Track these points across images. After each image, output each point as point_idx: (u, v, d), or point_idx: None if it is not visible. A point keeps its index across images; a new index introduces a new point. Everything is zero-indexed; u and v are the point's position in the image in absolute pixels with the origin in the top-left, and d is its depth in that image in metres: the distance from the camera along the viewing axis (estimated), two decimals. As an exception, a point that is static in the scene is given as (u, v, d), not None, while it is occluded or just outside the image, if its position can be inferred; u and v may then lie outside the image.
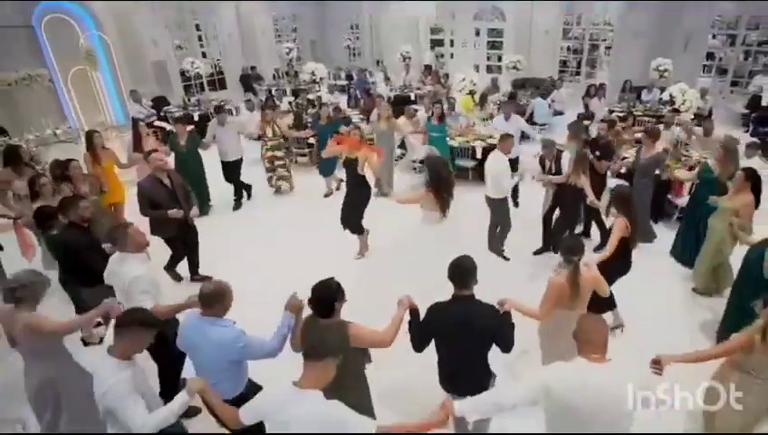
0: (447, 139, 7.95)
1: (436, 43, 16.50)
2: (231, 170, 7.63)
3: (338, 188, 7.89)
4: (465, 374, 2.88)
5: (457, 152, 8.16)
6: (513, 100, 9.79)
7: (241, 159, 7.74)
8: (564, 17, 14.40)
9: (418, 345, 2.91)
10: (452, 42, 15.99)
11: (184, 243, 5.53)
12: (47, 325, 2.96)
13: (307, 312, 2.84)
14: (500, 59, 14.80)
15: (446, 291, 2.87)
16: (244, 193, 7.95)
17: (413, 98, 12.06)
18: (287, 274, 4.05)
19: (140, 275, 3.28)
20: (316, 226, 6.64)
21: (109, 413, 2.38)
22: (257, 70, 14.82)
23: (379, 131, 7.71)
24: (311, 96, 11.47)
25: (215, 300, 2.71)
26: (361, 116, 9.68)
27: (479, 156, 7.94)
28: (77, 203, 4.09)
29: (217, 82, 14.27)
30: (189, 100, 12.12)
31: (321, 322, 2.72)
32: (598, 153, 5.83)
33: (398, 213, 5.11)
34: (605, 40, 14.45)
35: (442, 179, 4.48)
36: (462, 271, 2.81)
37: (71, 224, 4.07)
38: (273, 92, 12.35)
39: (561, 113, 10.77)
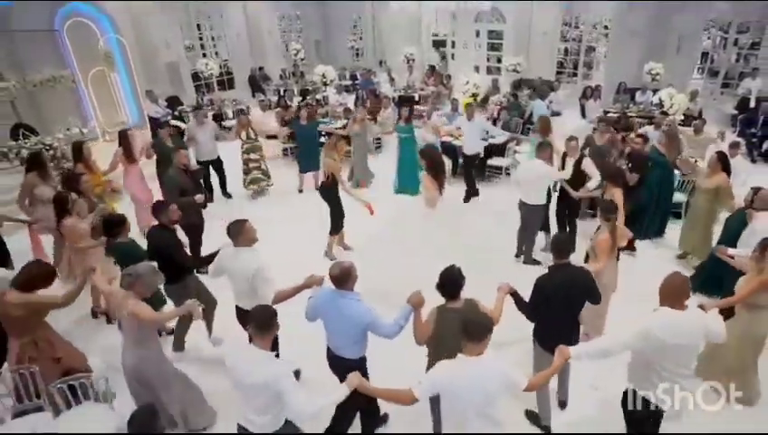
0: (449, 139, 8.45)
1: (437, 45, 16.99)
2: (213, 167, 8.10)
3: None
4: (565, 331, 3.44)
5: (461, 150, 8.65)
6: (484, 104, 10.36)
7: (216, 160, 8.13)
8: (562, 19, 14.90)
9: (533, 314, 3.48)
10: (453, 43, 16.48)
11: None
12: (146, 314, 3.26)
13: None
14: (499, 60, 15.34)
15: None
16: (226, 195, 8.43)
17: (417, 98, 12.53)
18: (287, 268, 4.21)
19: (261, 265, 3.59)
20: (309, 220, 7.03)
21: (275, 396, 2.62)
22: (265, 70, 15.25)
23: (353, 132, 8.32)
24: (318, 96, 11.97)
25: (344, 279, 3.11)
26: (369, 116, 10.14)
27: (482, 155, 8.44)
28: (167, 207, 4.35)
29: (226, 81, 14.73)
30: (202, 99, 12.58)
31: (452, 304, 3.09)
32: (630, 165, 5.90)
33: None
34: (602, 42, 14.95)
35: (437, 164, 5.37)
36: (559, 243, 3.56)
37: (161, 225, 4.34)
38: (284, 93, 12.80)
39: (558, 114, 11.27)
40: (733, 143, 6.89)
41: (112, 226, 4.28)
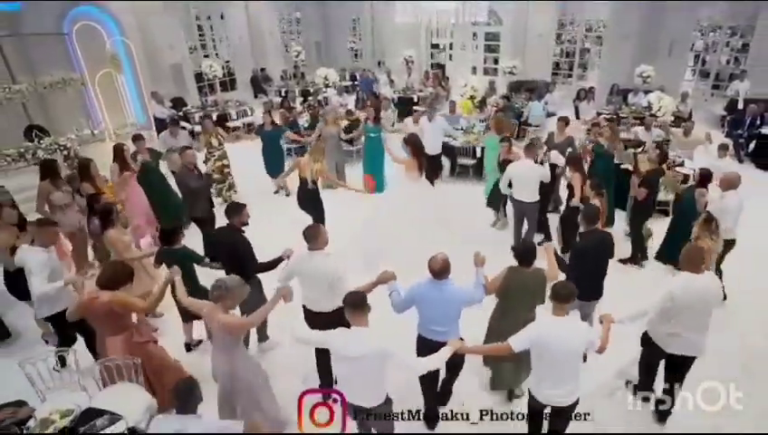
0: (447, 140, 8.78)
1: (435, 47, 17.33)
2: None
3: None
4: (595, 281, 4.26)
5: (459, 151, 9.00)
6: (482, 105, 10.78)
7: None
8: (558, 21, 15.25)
9: (575, 270, 4.09)
10: (450, 45, 16.81)
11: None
12: (240, 323, 3.45)
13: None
14: (496, 61, 15.68)
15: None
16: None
17: (415, 100, 12.84)
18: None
19: (340, 268, 3.82)
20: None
21: (382, 366, 3.03)
22: (266, 71, 15.53)
23: (327, 133, 8.53)
24: (320, 97, 12.28)
25: (445, 270, 3.49)
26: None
27: (479, 154, 8.78)
28: (241, 210, 4.45)
29: (228, 83, 15.00)
30: (206, 100, 12.86)
31: (527, 270, 3.78)
32: (641, 181, 6.01)
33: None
34: (596, 44, 15.31)
35: (419, 148, 6.16)
36: (589, 213, 4.43)
37: (231, 227, 4.44)
38: (287, 94, 13.08)
39: (553, 114, 11.59)
40: (721, 145, 7.20)
41: (169, 235, 4.45)
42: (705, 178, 5.58)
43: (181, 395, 2.73)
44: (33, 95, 8.74)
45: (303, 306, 4.05)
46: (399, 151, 6.68)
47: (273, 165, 8.57)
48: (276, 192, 8.71)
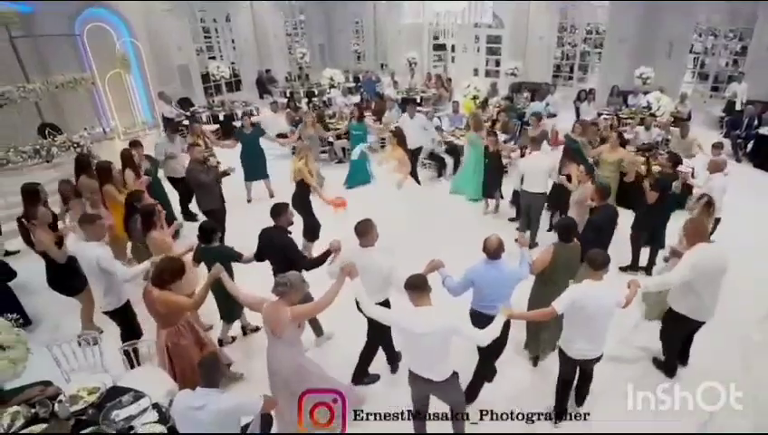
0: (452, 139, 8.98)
1: (437, 49, 17.55)
2: (181, 187, 7.50)
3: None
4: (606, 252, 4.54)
5: (461, 150, 9.20)
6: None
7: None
8: (558, 24, 15.47)
9: (591, 242, 4.38)
10: (453, 47, 17.04)
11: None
12: (309, 310, 3.53)
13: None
14: (497, 63, 15.88)
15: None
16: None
17: (419, 100, 13.03)
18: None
19: (393, 262, 3.98)
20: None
21: (448, 341, 3.21)
22: (271, 72, 15.74)
23: (306, 135, 8.66)
24: (324, 98, 12.49)
25: (498, 251, 3.77)
26: (374, 117, 10.65)
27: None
28: (286, 210, 4.54)
29: (234, 83, 15.22)
30: (212, 101, 13.07)
31: (568, 245, 4.19)
32: (653, 183, 5.90)
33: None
34: (595, 47, 15.53)
35: (403, 139, 7.09)
36: (605, 189, 5.18)
37: (277, 227, 4.50)
38: (293, 95, 13.30)
39: (554, 115, 11.78)
40: (715, 144, 7.36)
41: (208, 232, 4.49)
42: (675, 163, 6.20)
43: (206, 370, 2.87)
44: (45, 94, 8.93)
45: (356, 300, 4.01)
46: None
47: (253, 169, 8.13)
48: (249, 201, 8.30)
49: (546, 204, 6.88)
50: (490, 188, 7.82)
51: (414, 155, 8.40)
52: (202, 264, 4.59)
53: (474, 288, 3.90)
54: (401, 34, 17.08)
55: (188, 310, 3.88)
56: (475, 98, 10.19)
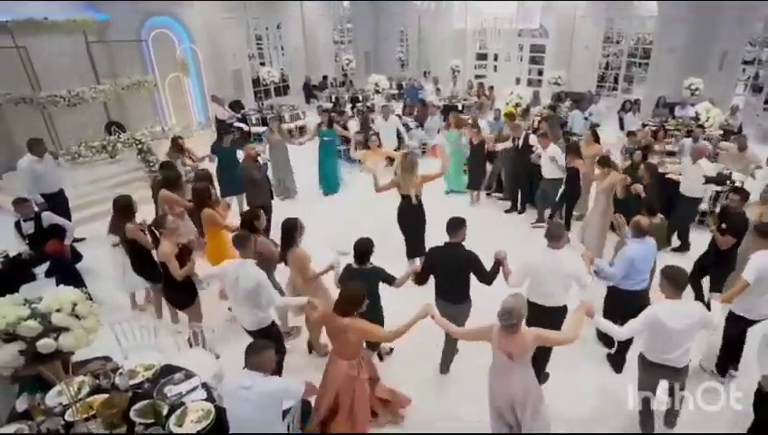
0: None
1: (480, 57, 17.70)
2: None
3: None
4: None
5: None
6: (526, 114, 10.88)
7: None
8: (604, 34, 15.34)
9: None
10: (496, 56, 17.14)
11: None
12: (544, 336, 3.38)
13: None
14: (540, 73, 15.87)
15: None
16: None
17: (461, 108, 13.22)
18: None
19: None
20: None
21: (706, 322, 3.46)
22: (325, 79, 16.26)
23: (273, 141, 8.75)
24: (368, 103, 12.87)
25: (560, 236, 3.98)
26: (417, 123, 10.92)
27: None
28: (464, 223, 4.37)
29: (282, 88, 15.85)
30: (262, 104, 13.68)
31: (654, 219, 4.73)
32: (725, 225, 5.10)
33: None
34: (642, 57, 15.29)
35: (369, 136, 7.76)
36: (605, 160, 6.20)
37: (453, 244, 4.31)
38: (338, 100, 13.75)
39: (597, 125, 11.70)
40: None
41: (363, 253, 4.30)
42: (644, 154, 6.89)
43: (255, 352, 3.12)
44: (113, 95, 9.64)
45: (533, 301, 4.05)
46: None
47: (228, 184, 7.52)
48: None
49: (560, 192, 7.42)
50: (475, 180, 8.51)
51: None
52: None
53: (632, 268, 4.29)
54: (444, 44, 17.34)
55: (384, 341, 3.82)
56: (517, 105, 10.28)
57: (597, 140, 7.67)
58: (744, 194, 5.15)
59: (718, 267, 5.17)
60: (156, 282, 5.23)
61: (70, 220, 6.42)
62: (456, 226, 4.23)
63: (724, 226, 5.06)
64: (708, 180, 6.70)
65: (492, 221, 7.96)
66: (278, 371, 3.98)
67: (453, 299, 4.27)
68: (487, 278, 4.12)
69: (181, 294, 4.79)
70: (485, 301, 3.85)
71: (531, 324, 3.43)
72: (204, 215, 5.31)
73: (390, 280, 4.23)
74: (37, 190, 6.66)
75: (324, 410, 3.73)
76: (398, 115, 11.05)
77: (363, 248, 4.23)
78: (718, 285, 5.09)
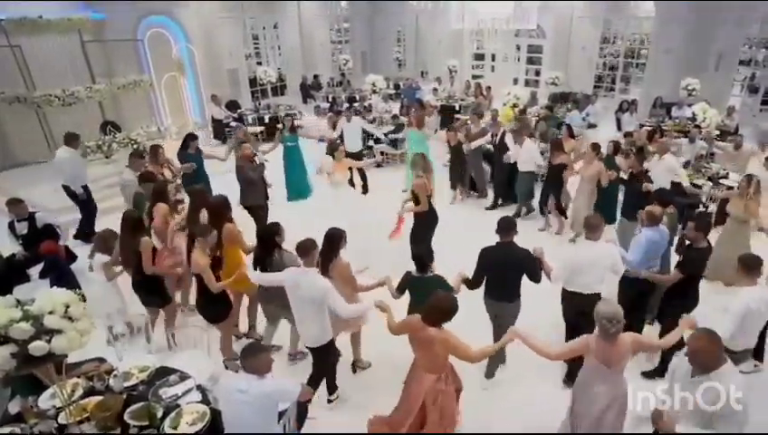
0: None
1: (478, 58, 17.69)
2: None
3: None
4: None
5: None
6: (523, 114, 10.86)
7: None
8: (601, 34, 15.37)
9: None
10: (493, 56, 17.15)
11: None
12: (643, 342, 3.39)
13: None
14: (538, 73, 15.87)
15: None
16: None
17: (457, 108, 13.20)
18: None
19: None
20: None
21: None
22: (318, 79, 16.21)
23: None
24: (366, 103, 12.84)
25: (598, 228, 4.19)
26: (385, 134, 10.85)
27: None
28: (514, 226, 4.41)
29: (279, 88, 15.80)
30: (259, 104, 13.64)
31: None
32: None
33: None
34: (639, 57, 15.32)
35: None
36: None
37: (506, 243, 4.32)
38: (335, 100, 13.71)
39: (594, 126, 11.71)
40: None
41: (423, 262, 4.22)
42: (616, 148, 7.24)
43: (250, 355, 3.08)
44: (108, 94, 9.59)
45: (571, 290, 4.33)
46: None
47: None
48: None
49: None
50: (456, 179, 8.68)
51: (356, 158, 8.61)
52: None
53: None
54: (442, 44, 17.34)
55: (470, 360, 3.46)
56: (514, 106, 10.26)
57: (571, 135, 8.42)
58: (703, 224, 4.35)
59: (668, 300, 4.47)
60: (159, 306, 4.95)
61: (96, 211, 6.88)
62: (508, 226, 4.28)
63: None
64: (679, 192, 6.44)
65: (475, 219, 7.96)
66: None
67: (506, 298, 4.33)
68: (538, 277, 4.23)
69: (217, 305, 4.50)
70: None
71: (569, 312, 3.81)
72: (225, 231, 4.75)
73: (451, 288, 4.03)
74: (80, 182, 7.05)
75: (406, 430, 3.55)
76: (371, 121, 11.08)
77: (421, 257, 4.16)
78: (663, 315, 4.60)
